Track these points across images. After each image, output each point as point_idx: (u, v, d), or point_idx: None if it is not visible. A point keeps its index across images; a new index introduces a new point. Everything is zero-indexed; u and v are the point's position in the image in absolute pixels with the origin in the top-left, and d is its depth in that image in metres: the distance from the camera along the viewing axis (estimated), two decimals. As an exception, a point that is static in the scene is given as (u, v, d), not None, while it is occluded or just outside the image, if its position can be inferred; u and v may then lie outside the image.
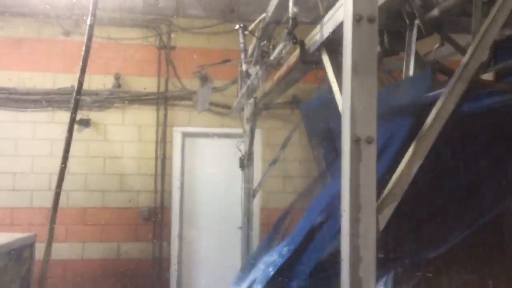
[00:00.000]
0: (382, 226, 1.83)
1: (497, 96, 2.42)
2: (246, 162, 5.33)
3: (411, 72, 2.72)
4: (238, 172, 5.64)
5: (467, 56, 1.87)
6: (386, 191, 1.85)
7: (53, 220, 4.01)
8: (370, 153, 1.80)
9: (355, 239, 1.78)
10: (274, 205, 6.19)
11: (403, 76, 2.76)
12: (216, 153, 6.29)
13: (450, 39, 2.88)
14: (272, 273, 2.63)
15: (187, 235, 6.22)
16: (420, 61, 2.80)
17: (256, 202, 5.77)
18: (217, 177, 6.24)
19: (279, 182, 6.20)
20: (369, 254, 1.79)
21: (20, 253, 3.67)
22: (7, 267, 3.49)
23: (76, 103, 4.03)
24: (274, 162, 5.66)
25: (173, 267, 6.04)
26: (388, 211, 1.84)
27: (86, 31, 3.66)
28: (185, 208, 6.23)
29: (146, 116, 6.09)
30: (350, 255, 1.77)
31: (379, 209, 1.82)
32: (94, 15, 3.54)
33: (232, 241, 6.11)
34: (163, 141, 6.09)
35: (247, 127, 5.33)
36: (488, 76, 2.36)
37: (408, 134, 2.16)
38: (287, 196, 6.22)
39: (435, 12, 2.43)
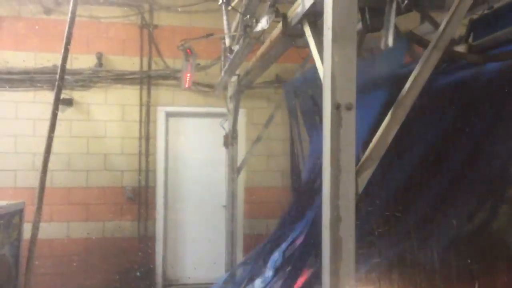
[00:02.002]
0: (361, 188, 1.92)
1: (468, 70, 2.52)
2: (230, 140, 5.40)
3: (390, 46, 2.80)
4: (222, 151, 5.71)
5: (442, 25, 1.95)
6: (364, 155, 1.94)
7: (40, 200, 4.04)
8: (349, 118, 1.88)
9: (335, 200, 1.87)
10: (257, 183, 6.28)
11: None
12: (200, 132, 6.33)
13: (428, 16, 2.96)
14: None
15: (172, 214, 6.28)
16: (399, 35, 2.88)
17: (240, 181, 5.84)
18: (201, 156, 6.29)
19: (262, 160, 6.29)
20: (349, 215, 1.89)
21: (10, 219, 3.72)
22: (-2, 232, 3.54)
23: (60, 83, 4.02)
24: (258, 140, 5.74)
25: (158, 245, 6.10)
26: (366, 174, 1.93)
27: (70, 9, 3.63)
28: (169, 187, 6.28)
29: (130, 95, 6.08)
30: (330, 215, 1.86)
31: (358, 172, 1.91)
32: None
33: (217, 219, 6.20)
34: (146, 120, 6.11)
35: (231, 106, 5.38)
36: (461, 49, 2.46)
37: (386, 102, 2.24)
38: (270, 174, 6.33)
39: (413, -14, 2.50)
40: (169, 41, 6.04)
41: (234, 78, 4.98)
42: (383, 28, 3.13)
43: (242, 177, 5.92)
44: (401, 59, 2.47)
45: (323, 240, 1.91)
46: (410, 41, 2.45)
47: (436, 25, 2.94)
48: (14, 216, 3.84)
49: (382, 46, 2.44)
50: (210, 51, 5.76)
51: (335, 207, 1.87)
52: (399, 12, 2.90)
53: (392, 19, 2.82)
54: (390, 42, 2.52)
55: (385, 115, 2.00)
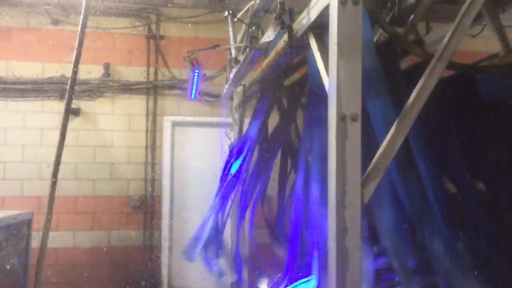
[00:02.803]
0: (366, 199, 1.93)
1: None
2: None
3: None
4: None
5: (447, 37, 1.97)
6: (370, 166, 1.95)
7: (50, 209, 4.07)
8: (355, 130, 1.90)
9: (341, 211, 1.88)
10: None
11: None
12: (206, 142, 6.36)
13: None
14: None
15: (178, 223, 6.28)
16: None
17: (246, 190, 5.84)
18: (207, 166, 6.31)
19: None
20: (355, 226, 1.89)
21: (18, 229, 3.75)
22: (7, 242, 3.56)
23: (70, 95, 4.06)
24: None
25: (164, 255, 6.11)
26: (372, 185, 1.94)
27: (80, 21, 3.68)
28: (175, 196, 6.30)
29: (136, 105, 6.13)
30: (336, 226, 1.87)
31: (364, 183, 1.92)
32: (87, 6, 3.56)
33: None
34: (153, 130, 6.15)
35: (236, 116, 5.41)
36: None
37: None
38: (275, 183, 6.32)
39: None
40: (175, 52, 6.10)
41: (239, 89, 5.00)
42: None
43: (247, 186, 5.92)
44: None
45: (329, 250, 1.92)
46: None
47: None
48: (22, 226, 3.87)
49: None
50: (216, 61, 5.80)
51: (341, 218, 1.88)
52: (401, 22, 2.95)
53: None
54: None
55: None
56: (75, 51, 3.93)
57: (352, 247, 1.88)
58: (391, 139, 1.96)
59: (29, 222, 4.02)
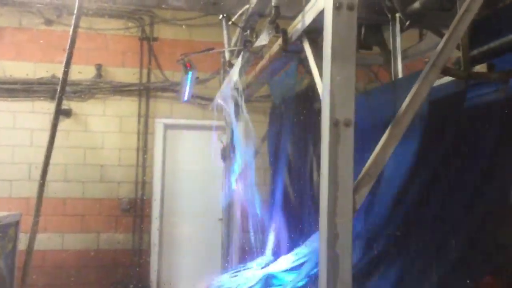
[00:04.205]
0: (358, 205, 1.92)
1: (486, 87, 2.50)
2: (228, 153, 5.39)
3: (399, 65, 2.82)
4: (220, 164, 5.69)
5: (441, 44, 1.97)
6: (362, 172, 1.94)
7: (37, 211, 4.04)
8: (348, 135, 1.89)
9: (333, 217, 1.87)
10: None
11: (392, 69, 2.85)
12: (198, 145, 6.33)
13: (434, 28, 2.93)
14: None
15: (168, 226, 6.25)
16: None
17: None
18: (198, 169, 6.28)
19: (259, 174, 6.26)
20: (346, 232, 1.88)
21: (5, 231, 3.69)
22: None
23: (60, 95, 4.05)
24: (255, 154, 5.72)
25: (153, 259, 6.06)
26: (364, 191, 1.93)
27: (73, 21, 3.67)
28: (166, 199, 6.26)
29: (128, 107, 6.10)
30: (327, 232, 1.86)
31: (355, 190, 1.91)
32: (80, 6, 3.55)
33: (213, 233, 6.16)
34: (144, 132, 6.11)
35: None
36: (481, 68, 2.45)
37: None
38: (267, 188, 6.31)
39: (416, 5, 2.53)
40: (169, 54, 6.07)
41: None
42: (377, 45, 3.16)
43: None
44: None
45: (319, 256, 1.90)
46: None
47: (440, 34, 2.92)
48: (9, 228, 3.83)
49: (392, 69, 2.46)
50: (210, 64, 5.79)
51: (332, 224, 1.87)
52: (401, 30, 2.95)
53: (398, 37, 2.85)
54: (399, 65, 2.55)
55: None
56: (66, 51, 3.92)
57: (343, 252, 1.87)
58: (383, 145, 1.95)
59: (16, 224, 3.97)
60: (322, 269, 1.88)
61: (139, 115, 6.11)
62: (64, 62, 3.94)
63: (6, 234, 3.74)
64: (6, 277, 3.78)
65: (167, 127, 6.25)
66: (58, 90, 3.96)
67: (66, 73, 3.95)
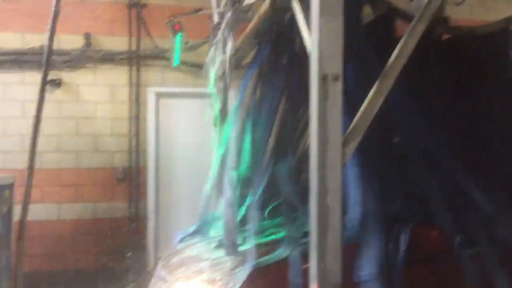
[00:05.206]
0: (347, 158, 1.96)
1: None
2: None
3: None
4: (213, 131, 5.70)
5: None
6: (351, 125, 1.97)
7: (30, 180, 4.08)
8: (336, 90, 1.91)
9: (323, 170, 1.91)
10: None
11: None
12: (191, 113, 6.32)
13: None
14: None
15: (164, 194, 6.29)
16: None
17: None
18: (192, 136, 6.29)
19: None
20: (336, 185, 1.93)
21: (0, 192, 3.73)
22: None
23: (47, 64, 4.02)
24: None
25: (150, 225, 6.13)
26: (353, 144, 1.96)
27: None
28: (160, 167, 6.28)
29: (119, 76, 6.04)
30: (318, 184, 1.90)
31: (344, 142, 1.95)
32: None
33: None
34: (136, 101, 6.08)
35: (220, 85, 5.36)
36: None
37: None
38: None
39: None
40: (158, 21, 5.97)
41: (223, 57, 4.95)
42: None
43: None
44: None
45: (310, 208, 1.95)
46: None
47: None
48: (4, 190, 3.85)
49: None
50: (200, 30, 5.70)
51: (322, 177, 1.90)
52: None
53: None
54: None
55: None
56: (50, 20, 3.86)
57: (333, 205, 1.91)
58: (372, 98, 1.98)
59: (11, 186, 3.99)
60: (313, 221, 1.93)
61: (130, 84, 6.07)
62: (48, 31, 3.89)
63: (1, 196, 3.77)
64: (4, 238, 3.83)
65: (159, 95, 6.22)
66: (44, 61, 3.93)
67: (50, 44, 3.92)
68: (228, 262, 2.39)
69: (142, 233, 6.09)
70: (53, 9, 3.85)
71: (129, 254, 5.96)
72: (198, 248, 3.04)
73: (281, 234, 2.51)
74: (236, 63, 4.85)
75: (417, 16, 2.00)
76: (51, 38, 3.95)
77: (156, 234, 6.20)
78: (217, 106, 5.43)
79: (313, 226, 1.94)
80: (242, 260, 2.30)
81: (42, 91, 4.07)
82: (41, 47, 5.66)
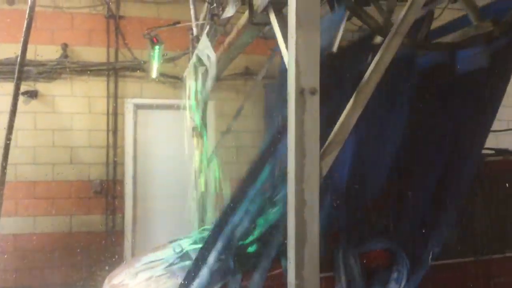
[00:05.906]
0: (325, 172, 1.95)
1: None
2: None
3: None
4: (192, 143, 5.67)
5: (403, 12, 2.00)
6: (329, 139, 1.98)
7: (0, 193, 3.99)
8: (313, 103, 1.91)
9: (300, 184, 1.90)
10: (227, 175, 6.27)
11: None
12: (170, 125, 6.27)
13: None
14: None
15: (141, 207, 6.21)
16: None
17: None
18: (170, 149, 6.24)
19: (232, 152, 6.28)
20: (313, 198, 1.92)
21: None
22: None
23: (19, 73, 3.96)
24: (227, 132, 5.73)
25: (127, 240, 6.04)
26: (330, 158, 1.97)
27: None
28: (138, 180, 6.21)
29: (96, 87, 5.98)
30: (295, 198, 1.89)
31: (322, 156, 1.95)
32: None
33: (186, 212, 6.15)
34: (114, 113, 6.02)
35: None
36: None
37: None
38: (240, 166, 6.32)
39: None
40: (136, 33, 5.93)
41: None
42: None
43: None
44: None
45: (288, 222, 1.94)
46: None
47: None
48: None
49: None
50: (179, 42, 5.71)
51: (299, 191, 1.90)
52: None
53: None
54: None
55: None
56: (23, 29, 3.81)
57: (311, 219, 1.90)
58: (348, 113, 1.99)
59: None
60: (291, 235, 1.92)
61: (108, 96, 6.01)
62: (21, 41, 3.83)
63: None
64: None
65: (137, 107, 6.17)
66: (16, 71, 3.88)
67: (23, 55, 3.86)
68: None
69: (119, 246, 6.00)
70: (26, 19, 3.80)
71: (106, 268, 5.85)
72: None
73: None
74: (215, 75, 4.86)
75: (393, 29, 2.02)
76: (24, 48, 3.89)
77: (133, 248, 6.10)
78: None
79: (290, 239, 1.92)
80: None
81: (15, 102, 4.00)
82: (17, 57, 5.58)
